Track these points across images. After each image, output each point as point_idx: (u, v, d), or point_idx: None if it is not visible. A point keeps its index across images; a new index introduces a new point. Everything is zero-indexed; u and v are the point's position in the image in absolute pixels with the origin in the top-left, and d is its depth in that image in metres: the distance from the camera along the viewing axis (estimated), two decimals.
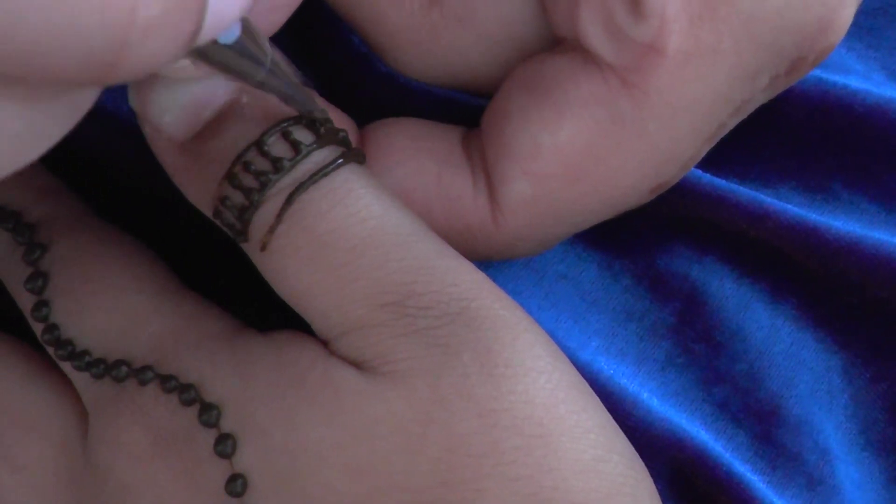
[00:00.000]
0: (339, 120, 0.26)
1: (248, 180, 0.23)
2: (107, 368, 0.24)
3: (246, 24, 0.20)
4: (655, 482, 0.24)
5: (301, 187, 0.23)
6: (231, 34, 0.20)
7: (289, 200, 0.23)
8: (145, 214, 0.29)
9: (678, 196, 0.28)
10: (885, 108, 0.30)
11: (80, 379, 0.25)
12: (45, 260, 0.26)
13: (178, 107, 0.23)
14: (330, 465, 0.22)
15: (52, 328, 0.25)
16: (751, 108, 0.25)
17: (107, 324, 0.25)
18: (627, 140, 0.24)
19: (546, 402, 0.22)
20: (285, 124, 0.23)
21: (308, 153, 0.23)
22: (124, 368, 0.24)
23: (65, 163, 0.28)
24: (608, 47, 0.24)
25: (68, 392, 0.26)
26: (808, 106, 0.30)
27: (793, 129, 0.30)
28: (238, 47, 0.20)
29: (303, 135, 0.23)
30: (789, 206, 0.29)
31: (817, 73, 0.29)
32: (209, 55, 0.20)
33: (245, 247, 0.24)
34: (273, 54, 0.22)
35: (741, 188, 0.29)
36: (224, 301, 0.26)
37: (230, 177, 0.23)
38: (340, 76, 0.28)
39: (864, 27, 0.32)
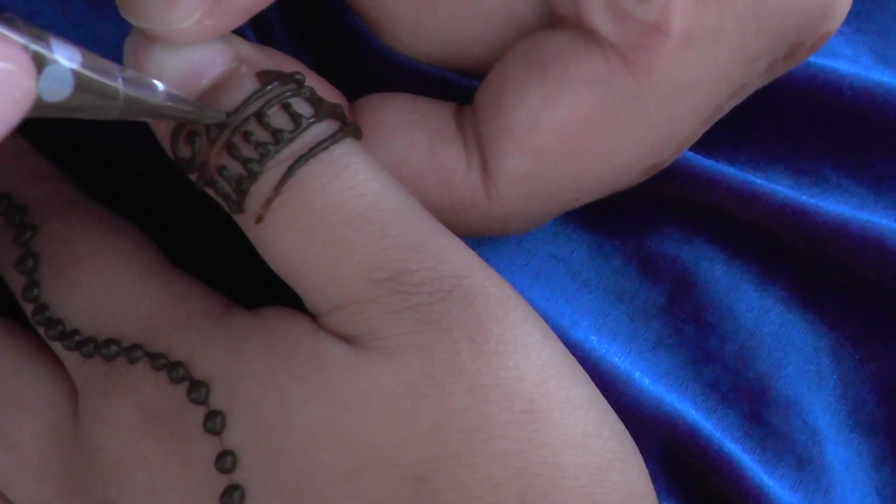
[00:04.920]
0: (331, 95, 0.26)
1: (248, 150, 0.23)
2: (97, 347, 0.25)
3: (80, 71, 0.20)
4: (647, 461, 0.24)
5: (301, 160, 0.23)
6: (60, 90, 0.19)
7: (288, 172, 0.23)
8: (135, 196, 0.29)
9: (668, 177, 0.28)
10: (872, 92, 0.30)
11: (71, 358, 0.25)
12: (35, 241, 0.26)
13: (175, 73, 0.23)
14: (319, 440, 0.22)
15: (42, 308, 0.25)
16: (748, 92, 0.25)
17: (97, 303, 0.25)
18: (626, 118, 0.24)
19: (536, 378, 0.22)
20: (286, 95, 0.23)
21: (308, 126, 0.23)
22: (114, 347, 0.24)
23: (55, 145, 0.28)
24: (611, 25, 0.24)
25: (59, 371, 0.26)
26: (796, 89, 0.30)
27: (782, 113, 0.30)
28: (81, 91, 0.20)
29: (302, 107, 0.24)
30: (779, 188, 0.29)
31: None
32: (48, 111, 0.19)
33: (239, 219, 0.24)
34: (137, 78, 0.21)
35: (731, 170, 0.29)
36: (212, 280, 0.26)
37: (229, 146, 0.23)
38: (334, 52, 0.28)
39: (853, 11, 0.32)
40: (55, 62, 0.19)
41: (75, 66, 0.20)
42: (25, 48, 0.18)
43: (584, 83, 0.24)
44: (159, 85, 0.23)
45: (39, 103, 0.19)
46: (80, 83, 0.20)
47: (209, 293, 0.25)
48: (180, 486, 0.23)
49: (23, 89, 0.18)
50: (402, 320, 0.22)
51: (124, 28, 0.24)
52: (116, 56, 0.24)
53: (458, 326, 0.22)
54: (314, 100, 0.24)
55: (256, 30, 0.29)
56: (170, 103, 0.22)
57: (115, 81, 0.21)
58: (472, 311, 0.23)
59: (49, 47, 0.19)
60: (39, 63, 0.19)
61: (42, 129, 0.27)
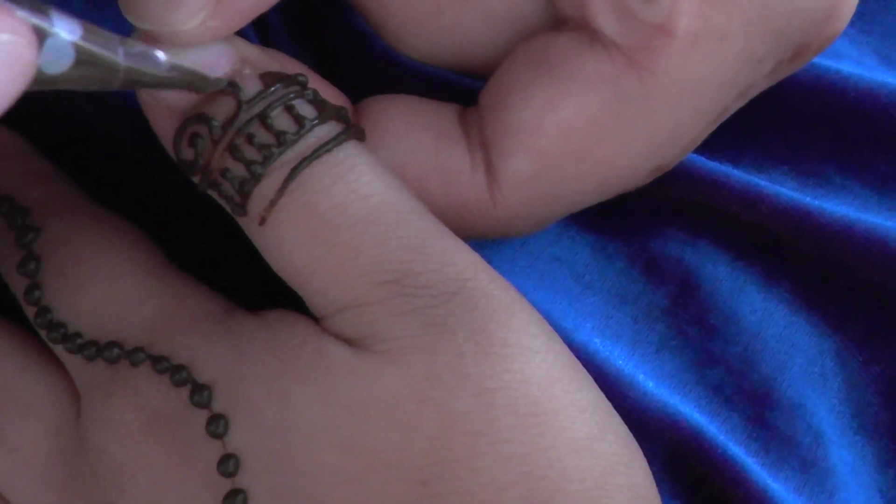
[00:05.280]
0: (335, 96, 0.25)
1: (251, 153, 0.23)
2: (99, 350, 0.24)
3: (81, 43, 0.20)
4: (651, 464, 0.24)
5: (304, 162, 0.23)
6: (61, 63, 0.19)
7: (292, 174, 0.23)
8: (138, 197, 0.29)
9: (672, 179, 0.28)
10: (876, 93, 0.30)
11: (73, 361, 0.25)
12: (37, 243, 0.26)
13: None
14: (323, 443, 0.22)
15: (44, 311, 0.25)
16: (753, 93, 0.25)
17: (99, 306, 0.25)
18: (631, 120, 0.24)
19: (541, 381, 0.22)
20: (289, 96, 0.23)
21: (311, 128, 0.23)
22: (116, 350, 0.24)
23: (58, 146, 0.28)
24: (617, 27, 0.24)
25: (61, 374, 0.26)
26: (800, 90, 0.30)
27: (786, 114, 0.30)
28: (81, 64, 0.20)
29: (306, 109, 0.24)
30: (783, 190, 0.29)
31: None
32: (48, 83, 0.19)
33: (242, 221, 0.24)
34: (134, 48, 0.22)
35: (735, 172, 0.29)
36: (215, 283, 0.26)
37: (232, 148, 0.23)
38: (337, 54, 0.28)
39: (857, 12, 0.32)
40: (56, 35, 0.19)
41: (76, 38, 0.20)
42: (26, 20, 0.18)
43: (589, 84, 0.24)
44: (161, 56, 0.22)
45: (40, 76, 0.19)
46: (81, 56, 0.20)
47: (212, 295, 0.25)
48: (182, 489, 0.23)
49: (24, 61, 0.18)
50: (407, 323, 0.22)
51: (126, 29, 0.23)
52: None
53: (462, 329, 0.22)
54: (318, 102, 0.24)
55: (259, 31, 0.29)
56: (173, 74, 0.22)
57: (116, 54, 0.21)
58: (477, 313, 0.22)
59: (50, 20, 0.19)
60: (40, 36, 0.19)
61: (42, 125, 0.27)
